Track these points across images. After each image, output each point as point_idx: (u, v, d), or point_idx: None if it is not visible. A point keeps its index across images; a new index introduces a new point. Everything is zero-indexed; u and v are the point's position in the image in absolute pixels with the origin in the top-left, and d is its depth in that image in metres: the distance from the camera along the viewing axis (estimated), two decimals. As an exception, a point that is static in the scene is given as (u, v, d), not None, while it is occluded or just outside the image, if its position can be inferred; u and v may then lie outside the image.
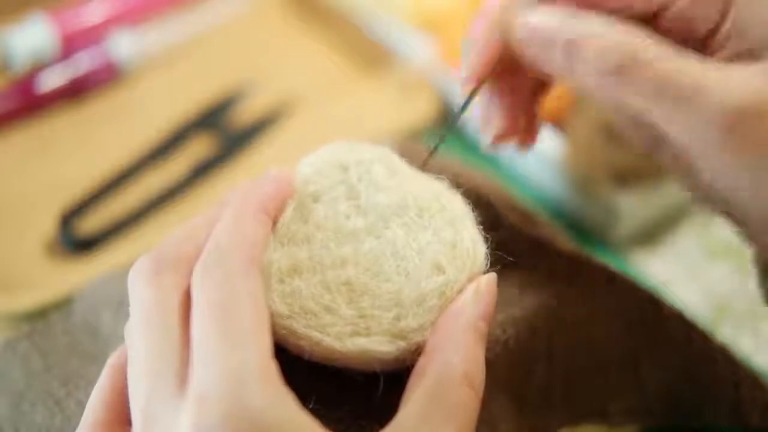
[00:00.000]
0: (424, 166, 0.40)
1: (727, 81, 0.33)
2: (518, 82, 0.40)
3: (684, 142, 0.35)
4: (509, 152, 0.40)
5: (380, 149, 0.40)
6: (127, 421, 0.34)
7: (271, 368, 0.31)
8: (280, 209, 0.38)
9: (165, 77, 0.69)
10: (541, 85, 0.41)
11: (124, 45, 0.68)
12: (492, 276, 0.37)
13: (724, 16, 0.37)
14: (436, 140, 0.42)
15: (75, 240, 0.57)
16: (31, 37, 0.67)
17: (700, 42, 0.38)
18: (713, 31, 0.37)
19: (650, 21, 0.38)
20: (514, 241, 0.43)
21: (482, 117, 0.41)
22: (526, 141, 0.41)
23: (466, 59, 0.39)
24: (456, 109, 0.41)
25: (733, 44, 0.37)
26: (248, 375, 0.30)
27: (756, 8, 0.36)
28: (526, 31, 0.37)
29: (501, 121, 0.40)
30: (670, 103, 0.34)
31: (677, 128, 0.35)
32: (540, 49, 0.37)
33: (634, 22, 0.36)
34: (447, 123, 0.41)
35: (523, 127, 0.41)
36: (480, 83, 0.39)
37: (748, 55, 0.36)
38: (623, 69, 0.34)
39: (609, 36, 0.35)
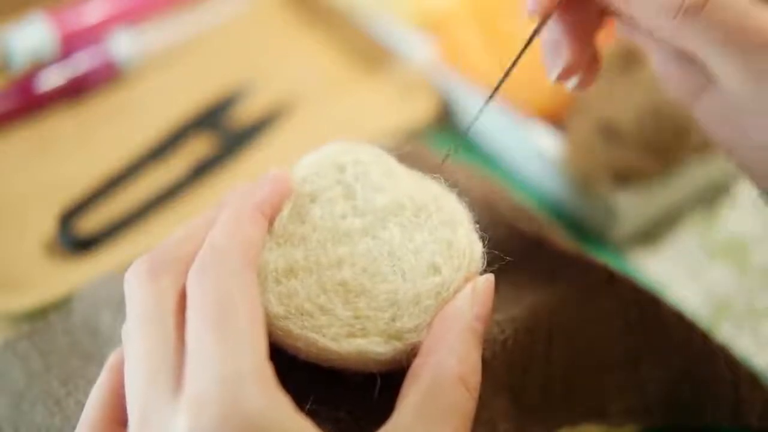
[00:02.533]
0: (443, 162, 0.39)
1: None
2: (582, 16, 0.39)
3: (740, 92, 0.34)
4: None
5: (376, 150, 0.40)
6: (125, 422, 0.34)
7: (267, 370, 0.31)
8: (277, 210, 0.38)
9: (165, 77, 0.69)
10: (599, 20, 0.40)
11: (123, 45, 0.68)
12: (489, 277, 0.36)
13: None
14: (468, 126, 0.40)
15: (75, 240, 0.57)
16: (31, 37, 0.67)
17: None
18: None
19: None
20: (513, 240, 0.43)
21: (550, 50, 0.40)
22: (589, 77, 0.40)
23: None
24: (494, 86, 0.40)
25: None
26: (243, 377, 0.30)
27: None
28: None
29: (570, 54, 0.39)
30: (735, 48, 0.33)
31: (736, 76, 0.34)
32: None
33: None
34: (484, 102, 0.40)
35: (587, 62, 0.40)
36: (546, 17, 0.38)
37: None
38: (693, 6, 0.33)
39: None
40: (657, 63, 0.41)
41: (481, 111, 0.40)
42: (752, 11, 0.33)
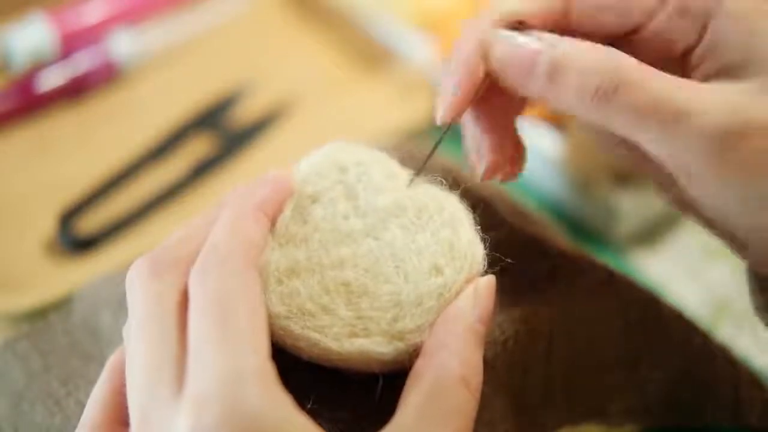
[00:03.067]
0: (419, 172, 0.40)
1: (707, 103, 0.34)
2: (499, 108, 0.40)
3: (668, 163, 0.35)
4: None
5: (377, 151, 0.40)
6: (126, 422, 0.34)
7: (269, 370, 0.31)
8: (278, 210, 0.38)
9: (165, 77, 0.69)
10: (518, 106, 0.41)
11: (123, 45, 0.68)
12: (490, 278, 0.36)
13: (701, 34, 0.37)
14: (432, 146, 0.42)
15: (74, 240, 0.57)
16: (31, 37, 0.67)
17: (676, 61, 0.38)
18: (689, 50, 0.37)
19: (626, 41, 0.38)
20: (514, 241, 0.43)
21: (472, 151, 0.40)
22: (515, 168, 0.41)
23: (446, 89, 0.39)
24: (436, 139, 0.41)
25: (709, 62, 0.36)
26: (245, 376, 0.30)
27: (733, 26, 0.36)
28: (507, 54, 0.37)
29: (491, 153, 0.40)
30: (653, 127, 0.34)
31: (660, 151, 0.35)
32: (521, 72, 0.36)
33: (609, 43, 0.36)
34: (436, 142, 0.41)
35: (510, 154, 0.40)
36: (460, 114, 0.39)
37: (724, 72, 0.36)
38: (606, 93, 0.34)
39: (590, 57, 0.35)
40: (600, 143, 0.41)
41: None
42: (665, 89, 0.34)
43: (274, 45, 0.73)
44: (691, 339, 0.43)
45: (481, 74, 0.38)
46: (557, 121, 0.61)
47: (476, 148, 0.40)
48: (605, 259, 0.44)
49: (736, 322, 0.55)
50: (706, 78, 0.36)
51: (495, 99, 0.39)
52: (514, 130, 0.41)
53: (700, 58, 0.37)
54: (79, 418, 0.35)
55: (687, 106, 0.34)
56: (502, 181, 0.40)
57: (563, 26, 0.38)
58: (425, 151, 0.42)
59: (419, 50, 0.67)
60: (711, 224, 0.38)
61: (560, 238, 0.45)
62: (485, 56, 0.38)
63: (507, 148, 0.40)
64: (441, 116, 0.39)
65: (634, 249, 0.60)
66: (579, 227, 0.61)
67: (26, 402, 0.41)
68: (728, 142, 0.33)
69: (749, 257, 0.38)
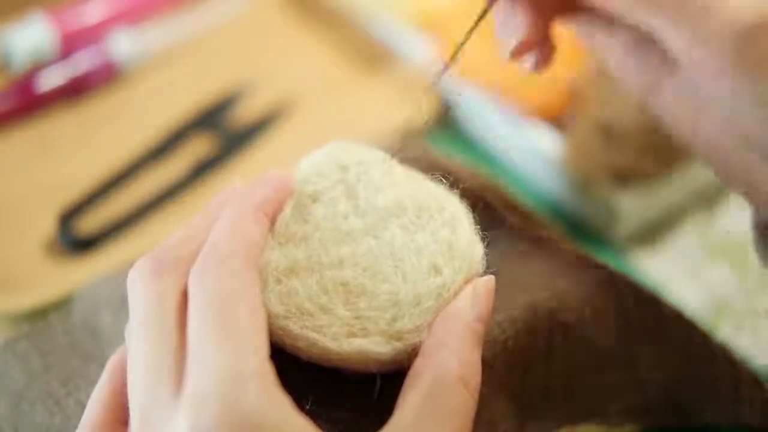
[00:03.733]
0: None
1: None
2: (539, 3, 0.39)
3: (691, 65, 0.35)
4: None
5: (378, 151, 0.40)
6: (127, 422, 0.34)
7: (267, 370, 0.31)
8: (278, 210, 0.38)
9: (165, 77, 0.69)
10: (554, 8, 0.40)
11: (123, 45, 0.68)
12: (489, 278, 0.36)
13: None
14: (441, 71, 0.41)
15: (74, 240, 0.57)
16: (31, 37, 0.67)
17: None
18: None
19: None
20: (514, 240, 0.43)
21: (502, 27, 0.40)
22: (543, 58, 0.40)
23: None
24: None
25: None
26: (244, 377, 0.30)
27: None
28: None
29: (522, 30, 0.39)
30: (676, 16, 0.34)
31: (682, 42, 0.34)
32: None
33: None
34: (453, 52, 0.40)
35: (540, 45, 0.40)
36: None
37: None
38: None
39: None
40: (612, 61, 0.41)
41: (441, 74, 0.40)
42: None
43: (274, 45, 0.73)
44: (691, 339, 0.43)
45: None
46: (557, 121, 0.61)
47: (507, 27, 0.40)
48: (605, 259, 0.44)
49: (736, 322, 0.55)
50: None
51: None
52: (548, 25, 0.40)
53: None
54: (79, 419, 0.35)
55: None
56: (529, 69, 0.40)
57: None
58: (426, 151, 0.42)
59: (419, 50, 0.67)
60: (719, 162, 0.37)
61: (561, 237, 0.45)
62: None
63: (539, 32, 0.40)
64: None
65: (634, 249, 0.60)
66: (579, 227, 0.61)
67: (26, 402, 0.41)
68: (750, 37, 0.33)
69: (738, 185, 0.37)
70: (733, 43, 0.33)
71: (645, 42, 0.37)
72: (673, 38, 0.35)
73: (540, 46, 0.40)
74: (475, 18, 0.40)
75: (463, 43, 0.40)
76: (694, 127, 0.38)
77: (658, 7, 0.34)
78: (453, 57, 0.40)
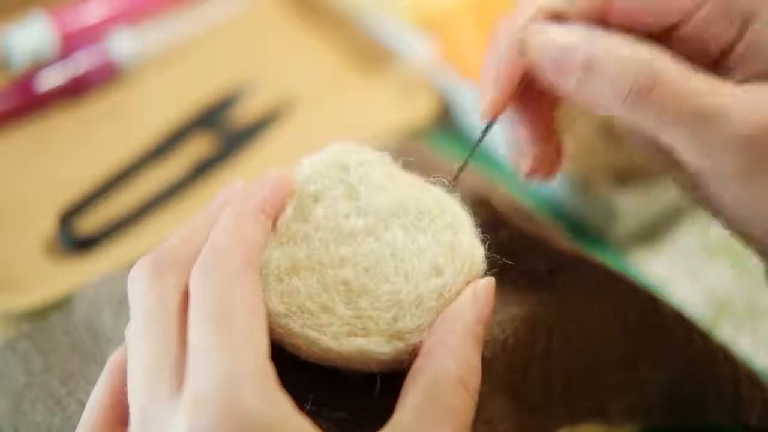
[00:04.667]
0: (454, 183, 0.40)
1: (744, 104, 0.33)
2: (539, 108, 0.40)
3: (700, 167, 0.35)
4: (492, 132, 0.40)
5: (379, 153, 0.40)
6: (126, 421, 0.34)
7: (268, 370, 0.31)
8: (279, 210, 0.38)
9: (165, 77, 0.69)
10: (557, 106, 0.41)
11: (123, 44, 0.68)
12: (490, 280, 0.36)
13: (740, 35, 0.36)
14: (461, 165, 0.41)
15: (74, 239, 0.57)
16: (31, 36, 0.67)
17: (713, 62, 0.37)
18: (728, 51, 0.37)
19: (663, 39, 0.37)
20: (514, 240, 0.43)
21: (514, 150, 0.40)
22: (555, 167, 0.41)
23: (485, 86, 0.38)
24: (476, 137, 0.41)
25: (748, 65, 0.36)
26: (244, 377, 0.30)
27: None
28: (544, 47, 0.36)
29: (534, 150, 0.40)
30: (687, 127, 0.34)
31: (693, 152, 0.34)
32: (558, 66, 0.36)
33: (648, 40, 0.36)
34: (469, 152, 0.41)
35: (551, 152, 0.40)
36: (500, 111, 0.39)
37: (764, 75, 0.35)
38: (641, 90, 0.34)
39: (627, 53, 0.34)
40: (632, 142, 0.41)
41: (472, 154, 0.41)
42: (701, 89, 0.34)
43: (274, 45, 0.73)
44: (691, 339, 0.43)
45: (519, 70, 0.38)
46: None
47: (518, 146, 0.40)
48: (605, 259, 0.44)
49: (736, 322, 0.56)
50: (744, 81, 0.36)
51: (535, 99, 0.39)
52: (554, 130, 0.41)
53: (739, 61, 0.36)
54: (79, 418, 0.35)
55: (720, 108, 0.33)
56: (543, 179, 0.40)
57: (601, 22, 0.37)
58: (426, 151, 0.42)
59: (419, 50, 0.67)
60: (735, 226, 0.38)
61: (560, 238, 0.45)
62: (523, 51, 0.37)
63: (548, 146, 0.40)
64: (482, 113, 0.39)
65: (634, 249, 0.60)
66: (579, 227, 0.61)
67: (27, 401, 0.41)
68: (759, 146, 0.33)
69: None
70: (738, 150, 0.33)
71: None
72: (676, 144, 0.35)
73: (550, 160, 0.40)
74: (476, 140, 0.41)
75: (471, 153, 0.41)
76: (717, 212, 0.38)
77: (662, 117, 0.34)
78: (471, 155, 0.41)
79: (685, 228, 0.61)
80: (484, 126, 0.40)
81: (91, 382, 0.36)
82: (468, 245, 0.37)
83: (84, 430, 0.34)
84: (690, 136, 0.34)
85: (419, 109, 0.65)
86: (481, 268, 0.37)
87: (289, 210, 0.38)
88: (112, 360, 0.36)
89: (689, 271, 0.59)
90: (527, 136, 0.40)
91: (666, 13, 0.37)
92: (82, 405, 0.36)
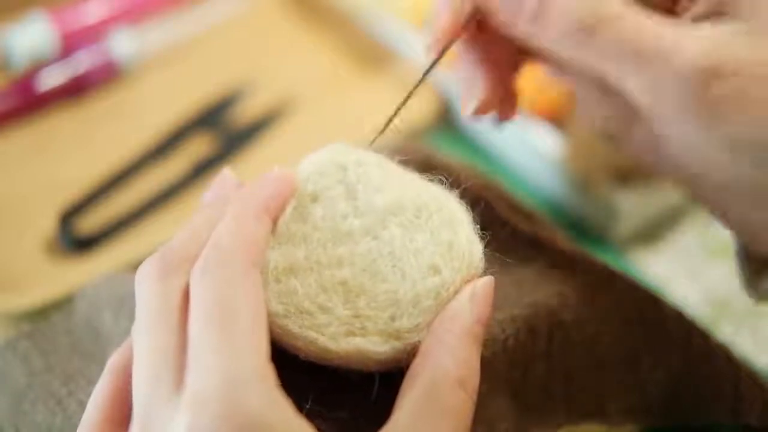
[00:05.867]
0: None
1: (687, 41, 0.34)
2: (496, 53, 0.40)
3: (644, 105, 0.35)
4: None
5: (378, 153, 0.40)
6: (127, 421, 0.34)
7: (268, 371, 0.31)
8: (281, 209, 0.38)
9: (165, 76, 0.69)
10: (517, 60, 0.41)
11: (124, 44, 0.68)
12: (489, 279, 0.36)
13: None
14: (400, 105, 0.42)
15: (75, 239, 0.57)
16: (31, 36, 0.67)
17: (666, 1, 0.38)
18: None
19: None
20: (514, 240, 0.43)
21: (463, 86, 0.41)
22: (505, 114, 0.41)
23: (434, 19, 0.39)
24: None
25: (700, 4, 0.36)
26: (244, 377, 0.30)
27: None
28: None
29: (482, 91, 0.40)
30: (632, 64, 0.34)
31: (637, 90, 0.35)
32: (508, 7, 0.37)
33: None
34: (416, 82, 0.42)
35: (502, 99, 0.41)
36: (447, 46, 0.39)
37: (714, 15, 0.36)
38: (586, 28, 0.34)
39: None
40: (585, 106, 0.41)
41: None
42: (646, 26, 0.34)
43: (274, 45, 0.73)
44: (691, 338, 0.43)
45: (469, 5, 0.38)
46: (557, 121, 0.62)
47: (468, 86, 0.41)
48: (605, 258, 0.44)
49: (736, 322, 0.56)
50: (695, 20, 0.36)
51: (492, 50, 0.40)
52: (510, 81, 0.41)
53: (687, 3, 0.37)
54: (80, 418, 0.35)
55: (666, 44, 0.34)
56: (492, 123, 0.41)
57: None
58: (426, 151, 0.42)
59: (419, 50, 0.67)
60: (669, 170, 0.38)
61: (561, 236, 0.45)
62: None
63: (500, 91, 0.40)
64: (427, 45, 0.40)
65: (634, 249, 0.60)
66: (579, 227, 0.61)
67: (27, 402, 0.41)
68: (702, 82, 0.33)
69: (732, 222, 0.38)
70: (688, 86, 0.34)
71: (607, 88, 0.38)
72: (626, 84, 0.35)
73: (500, 104, 0.41)
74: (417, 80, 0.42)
75: (419, 83, 0.42)
76: (668, 168, 0.38)
77: (607, 56, 0.35)
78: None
79: (685, 228, 0.61)
80: (429, 62, 0.40)
81: (92, 382, 0.36)
82: (466, 243, 0.37)
83: (85, 430, 0.34)
84: (635, 74, 0.34)
85: (419, 109, 0.65)
86: (480, 267, 0.37)
87: (287, 210, 0.38)
88: (113, 360, 0.36)
89: (689, 271, 0.59)
90: (479, 78, 0.40)
91: None
92: (82, 405, 0.36)
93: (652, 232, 0.61)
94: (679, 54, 0.34)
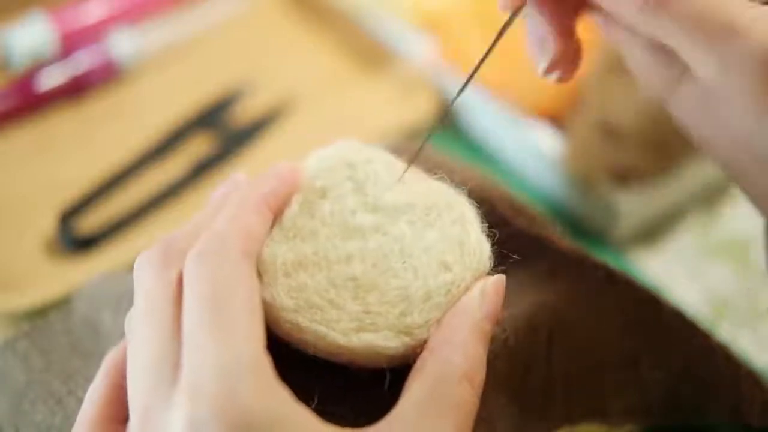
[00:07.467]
0: (420, 149, 0.40)
1: (759, 22, 0.33)
2: (563, 10, 0.40)
3: (713, 83, 0.35)
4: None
5: (386, 152, 0.41)
6: (124, 419, 0.34)
7: (263, 361, 0.31)
8: (283, 204, 0.37)
9: (165, 76, 0.69)
10: (575, 13, 0.41)
11: (123, 44, 0.68)
12: (500, 277, 0.36)
13: None
14: (449, 104, 0.41)
15: (74, 239, 0.57)
16: (31, 36, 0.67)
17: None
18: None
19: None
20: (515, 240, 0.43)
21: (536, 45, 0.40)
22: (573, 69, 0.41)
23: None
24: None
25: None
26: (239, 368, 0.30)
27: None
28: None
29: (553, 47, 0.39)
30: (704, 40, 0.34)
31: (708, 68, 0.34)
32: None
33: None
34: (463, 83, 0.41)
35: (571, 54, 0.40)
36: (518, 9, 0.39)
37: None
38: (660, 1, 0.34)
39: None
40: (632, 59, 0.41)
41: (461, 90, 0.42)
42: (719, 2, 0.34)
43: (274, 45, 0.73)
44: (691, 338, 0.43)
45: None
46: (557, 121, 0.62)
47: (539, 42, 0.40)
48: (605, 258, 0.44)
49: (736, 322, 0.56)
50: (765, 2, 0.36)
51: (553, 6, 0.39)
52: (575, 36, 0.41)
53: None
54: (80, 417, 0.35)
55: (737, 22, 0.33)
56: (561, 79, 0.40)
57: None
58: (428, 151, 0.42)
59: (419, 50, 0.67)
60: (733, 170, 0.38)
61: (561, 237, 0.45)
62: None
63: (569, 47, 0.40)
64: (502, 4, 0.39)
65: (634, 249, 0.60)
66: (579, 227, 0.61)
67: (27, 401, 0.41)
68: None
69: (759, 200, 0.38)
70: (758, 69, 0.33)
71: (660, 50, 0.37)
72: (693, 56, 0.35)
73: (570, 59, 0.40)
74: (495, 34, 0.40)
75: (482, 60, 0.40)
76: (710, 136, 0.38)
77: (679, 26, 0.34)
78: (472, 75, 0.41)
79: (685, 228, 0.61)
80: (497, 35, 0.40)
81: (91, 381, 0.36)
82: (476, 241, 0.37)
83: (82, 428, 0.34)
84: (706, 52, 0.34)
85: (419, 109, 0.65)
86: (489, 265, 0.37)
87: (295, 205, 0.38)
88: (109, 357, 0.36)
89: (689, 271, 0.59)
90: (547, 33, 0.40)
91: None
92: (82, 404, 0.36)
93: (652, 232, 0.61)
94: (751, 34, 0.33)
